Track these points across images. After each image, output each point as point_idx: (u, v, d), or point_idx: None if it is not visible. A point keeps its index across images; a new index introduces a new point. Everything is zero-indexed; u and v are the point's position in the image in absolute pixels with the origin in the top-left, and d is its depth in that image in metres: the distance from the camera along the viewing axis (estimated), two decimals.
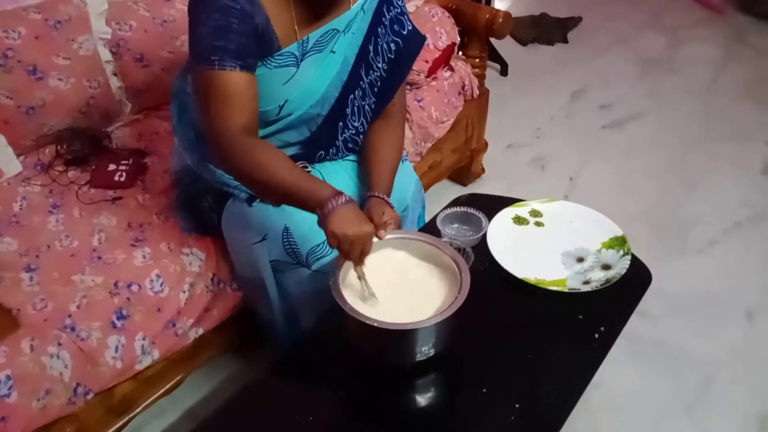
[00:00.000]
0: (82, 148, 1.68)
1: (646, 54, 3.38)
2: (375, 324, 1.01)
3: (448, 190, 2.28)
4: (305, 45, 1.18)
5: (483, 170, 2.38)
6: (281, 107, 1.22)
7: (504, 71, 3.13)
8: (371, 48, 1.27)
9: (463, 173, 2.32)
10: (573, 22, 3.61)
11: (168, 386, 1.48)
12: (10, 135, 1.61)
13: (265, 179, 1.09)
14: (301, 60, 1.18)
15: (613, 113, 2.86)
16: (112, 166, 1.61)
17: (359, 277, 1.11)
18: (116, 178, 1.59)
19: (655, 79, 3.16)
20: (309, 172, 1.26)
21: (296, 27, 1.17)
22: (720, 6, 3.84)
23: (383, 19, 1.27)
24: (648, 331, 1.78)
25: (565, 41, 3.47)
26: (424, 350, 1.08)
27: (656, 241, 2.11)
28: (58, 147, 1.68)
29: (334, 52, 1.22)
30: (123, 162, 1.63)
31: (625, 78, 3.16)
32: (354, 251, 1.06)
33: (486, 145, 2.33)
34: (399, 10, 1.30)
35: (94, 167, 1.63)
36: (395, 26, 1.30)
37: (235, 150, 1.08)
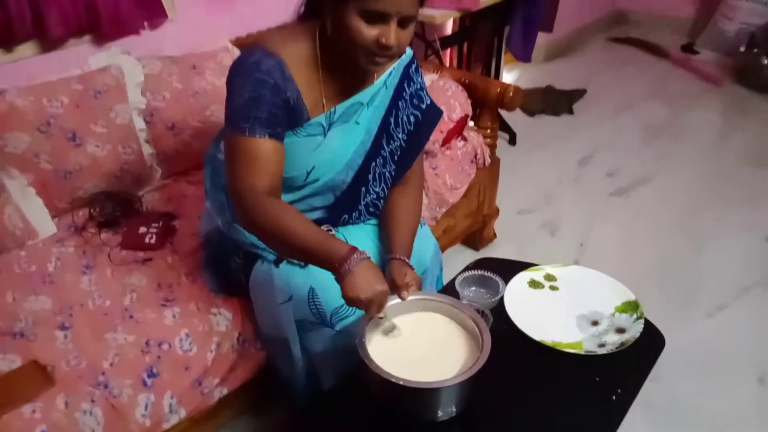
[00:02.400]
0: (114, 210, 1.76)
1: (650, 122, 3.50)
2: (401, 383, 1.06)
3: (461, 254, 2.34)
4: (332, 116, 1.27)
5: (495, 235, 2.44)
6: (308, 173, 1.30)
7: (512, 140, 3.24)
8: (392, 120, 1.37)
9: (476, 238, 2.38)
10: (578, 93, 3.76)
11: None
12: (47, 197, 1.70)
13: (285, 237, 1.16)
14: (328, 130, 1.28)
15: (620, 179, 2.95)
16: (142, 229, 1.69)
17: (380, 317, 1.16)
18: (146, 240, 1.66)
19: (659, 145, 3.26)
20: (328, 231, 1.31)
21: (324, 100, 1.26)
22: (718, 78, 4.00)
23: (404, 93, 1.37)
24: (658, 392, 1.80)
25: (571, 112, 3.61)
26: (448, 410, 1.12)
27: (666, 304, 2.15)
28: (91, 210, 1.76)
29: (358, 123, 1.32)
30: (153, 225, 1.70)
31: (630, 145, 3.27)
32: (371, 310, 1.13)
33: (497, 210, 2.40)
34: (418, 86, 1.40)
35: (125, 229, 1.70)
36: (415, 100, 1.40)
37: (256, 209, 1.15)
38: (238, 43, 2.17)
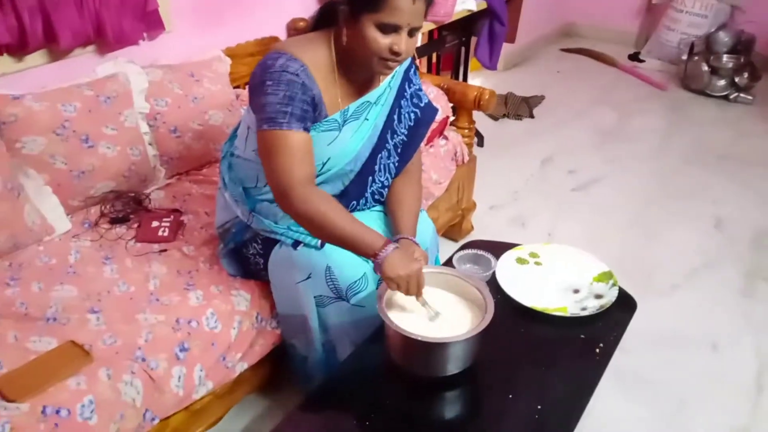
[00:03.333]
0: (124, 208, 1.87)
1: (603, 124, 3.80)
2: (420, 338, 1.22)
3: (443, 245, 2.50)
4: (346, 113, 1.43)
5: (472, 227, 2.64)
6: (324, 164, 1.46)
7: (480, 143, 3.45)
8: (396, 117, 1.54)
9: (455, 230, 2.57)
10: (537, 99, 4.02)
11: (210, 421, 1.61)
12: (62, 196, 1.79)
13: (324, 225, 1.32)
14: (343, 125, 1.44)
15: (580, 177, 3.20)
16: (155, 223, 1.80)
17: (423, 305, 1.33)
18: (160, 233, 1.77)
19: (613, 145, 3.55)
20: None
21: (339, 99, 1.43)
22: (663, 83, 4.34)
23: (405, 93, 1.55)
24: (626, 361, 2.00)
25: (532, 116, 3.85)
26: (458, 363, 1.28)
27: (627, 286, 2.33)
28: (103, 207, 1.86)
29: (367, 120, 1.48)
30: (165, 219, 1.82)
31: (587, 145, 3.54)
32: (411, 287, 1.30)
33: (474, 204, 2.60)
34: (417, 87, 1.59)
35: (137, 225, 1.81)
36: (414, 99, 1.58)
37: (300, 197, 1.30)
38: (228, 53, 2.31)
